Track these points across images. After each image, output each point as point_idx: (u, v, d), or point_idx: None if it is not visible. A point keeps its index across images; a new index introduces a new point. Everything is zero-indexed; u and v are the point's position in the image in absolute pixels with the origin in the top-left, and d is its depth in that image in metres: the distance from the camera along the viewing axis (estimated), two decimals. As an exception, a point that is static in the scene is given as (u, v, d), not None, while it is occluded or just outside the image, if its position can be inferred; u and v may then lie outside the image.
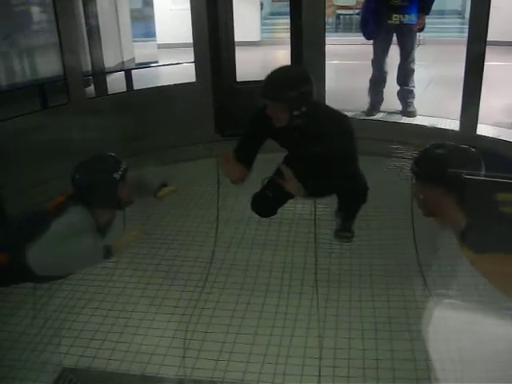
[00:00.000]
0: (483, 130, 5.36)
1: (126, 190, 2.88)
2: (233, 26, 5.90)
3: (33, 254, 2.56)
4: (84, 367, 2.94)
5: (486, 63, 5.08)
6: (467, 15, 6.59)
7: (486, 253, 2.26)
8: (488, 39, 5.04)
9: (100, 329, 3.21)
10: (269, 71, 3.16)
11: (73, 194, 2.84)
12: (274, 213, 3.73)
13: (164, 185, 3.31)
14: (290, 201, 3.73)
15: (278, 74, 3.13)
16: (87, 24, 6.77)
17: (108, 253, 2.77)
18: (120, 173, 2.82)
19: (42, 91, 5.16)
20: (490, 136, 5.33)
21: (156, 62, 9.25)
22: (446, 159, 2.38)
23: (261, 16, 13.22)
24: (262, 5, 13.26)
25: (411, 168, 2.52)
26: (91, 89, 6.46)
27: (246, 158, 3.33)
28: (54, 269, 2.70)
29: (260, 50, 11.90)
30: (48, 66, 6.29)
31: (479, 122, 5.26)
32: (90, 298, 3.49)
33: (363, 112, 6.16)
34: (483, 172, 2.31)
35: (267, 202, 3.62)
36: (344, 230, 3.81)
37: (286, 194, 3.53)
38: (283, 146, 3.43)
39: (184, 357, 2.96)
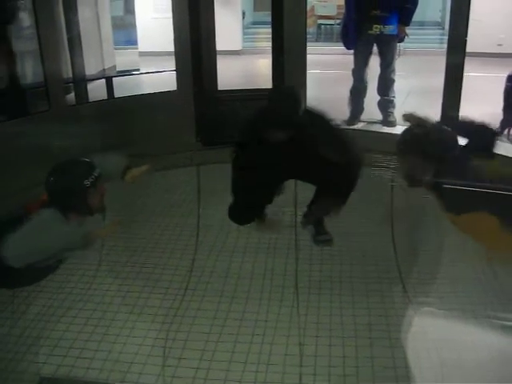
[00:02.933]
0: (462, 139, 5.39)
1: (96, 196, 2.85)
2: (214, 35, 5.92)
3: (5, 245, 2.56)
4: (62, 376, 2.91)
5: (464, 74, 5.14)
6: (447, 26, 6.65)
7: (466, 214, 2.62)
8: (467, 50, 5.11)
9: (79, 337, 3.17)
10: (262, 82, 3.27)
11: (48, 197, 2.82)
12: (252, 220, 3.72)
13: (128, 167, 3.25)
14: (272, 206, 3.73)
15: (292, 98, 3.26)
16: (68, 31, 6.73)
17: (86, 240, 2.77)
18: (91, 180, 2.79)
19: (22, 98, 5.12)
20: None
21: (137, 70, 9.23)
22: (425, 136, 2.82)
23: (243, 25, 13.27)
24: (244, 14, 13.30)
25: (397, 147, 2.90)
26: (72, 96, 6.42)
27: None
28: (29, 256, 2.67)
29: (242, 58, 11.93)
30: (29, 72, 6.24)
31: (458, 131, 5.30)
32: (69, 307, 3.45)
33: (344, 121, 6.18)
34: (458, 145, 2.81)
35: (243, 210, 3.61)
36: (321, 234, 3.77)
37: (260, 201, 3.53)
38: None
39: (164, 365, 2.94)
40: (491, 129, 3.09)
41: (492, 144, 2.95)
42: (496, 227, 2.54)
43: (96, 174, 2.82)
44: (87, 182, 2.78)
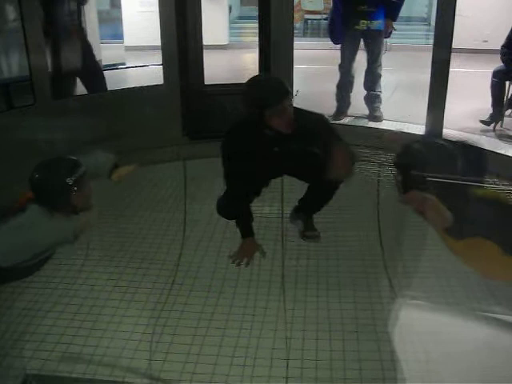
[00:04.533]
0: (448, 134, 5.44)
1: (80, 195, 2.80)
2: (201, 29, 5.90)
3: None
4: (49, 372, 2.89)
5: (450, 69, 5.17)
6: (433, 22, 6.69)
7: (466, 239, 2.41)
8: (453, 46, 5.14)
9: (66, 332, 3.16)
10: (248, 76, 3.19)
11: (33, 194, 2.80)
12: (241, 214, 3.70)
13: (116, 165, 3.23)
14: (258, 200, 3.73)
15: (274, 79, 3.25)
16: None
17: (74, 234, 2.75)
18: (74, 178, 2.75)
19: (7, 91, 5.08)
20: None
21: (123, 64, 9.17)
22: (424, 155, 2.52)
23: (229, 19, 13.23)
24: (230, 8, 13.26)
25: (395, 162, 2.65)
26: (58, 90, 6.38)
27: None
28: (15, 254, 2.65)
29: (228, 53, 11.91)
30: (14, 66, 6.20)
31: (444, 126, 5.35)
32: (55, 301, 3.44)
33: (330, 116, 6.20)
34: (460, 166, 2.45)
35: (232, 205, 3.59)
36: (309, 229, 3.77)
37: (249, 194, 3.52)
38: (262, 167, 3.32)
39: (151, 360, 2.94)
40: (483, 151, 2.87)
41: (484, 169, 2.71)
42: (497, 254, 2.39)
43: (80, 173, 2.78)
44: (70, 180, 2.74)
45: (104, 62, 8.96)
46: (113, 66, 8.39)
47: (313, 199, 3.60)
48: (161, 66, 5.81)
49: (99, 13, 9.81)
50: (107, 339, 3.10)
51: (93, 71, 6.15)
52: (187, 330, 3.16)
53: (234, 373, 2.84)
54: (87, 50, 6.14)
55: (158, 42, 5.74)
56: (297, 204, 3.67)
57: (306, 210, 3.67)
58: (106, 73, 6.67)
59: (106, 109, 5.53)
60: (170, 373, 2.85)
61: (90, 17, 8.73)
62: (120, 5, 11.31)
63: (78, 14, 6.06)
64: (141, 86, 5.95)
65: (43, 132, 4.71)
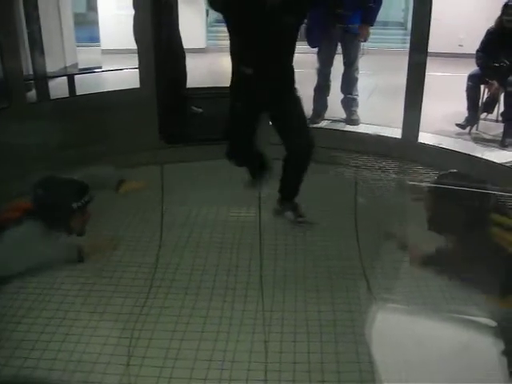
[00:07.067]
0: (425, 137, 5.50)
1: (80, 220, 2.78)
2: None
3: None
4: (24, 379, 2.84)
5: (427, 73, 5.21)
6: (409, 27, 6.75)
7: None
8: (429, 50, 5.19)
9: (40, 338, 3.11)
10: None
11: (32, 207, 2.75)
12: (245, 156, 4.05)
13: (122, 180, 3.24)
14: (235, 203, 3.73)
15: None
16: (29, 27, 6.61)
17: (79, 255, 2.71)
18: (79, 204, 2.73)
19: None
20: (432, 144, 5.48)
21: (100, 68, 9.11)
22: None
23: (207, 23, 13.23)
24: (207, 12, 13.25)
25: (430, 190, 2.77)
26: (33, 93, 6.31)
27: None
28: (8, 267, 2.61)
29: (206, 57, 11.89)
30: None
31: (421, 130, 5.39)
32: (29, 307, 3.37)
33: (307, 119, 6.21)
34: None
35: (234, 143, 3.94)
36: (301, 216, 3.89)
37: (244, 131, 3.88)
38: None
39: (128, 364, 2.91)
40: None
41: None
42: None
43: (86, 199, 2.76)
44: (75, 205, 2.71)
45: (80, 66, 8.94)
46: (89, 70, 8.34)
47: (289, 175, 3.72)
48: (137, 70, 5.77)
49: (75, 16, 9.77)
50: (83, 344, 3.06)
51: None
52: (164, 333, 3.13)
53: (212, 376, 2.82)
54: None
55: (135, 46, 5.71)
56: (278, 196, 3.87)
57: (286, 192, 3.98)
58: (81, 76, 6.63)
59: (83, 112, 5.47)
60: (147, 377, 2.82)
61: (66, 19, 8.71)
62: (96, 8, 11.26)
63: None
64: (117, 90, 5.90)
65: (17, 136, 4.65)
